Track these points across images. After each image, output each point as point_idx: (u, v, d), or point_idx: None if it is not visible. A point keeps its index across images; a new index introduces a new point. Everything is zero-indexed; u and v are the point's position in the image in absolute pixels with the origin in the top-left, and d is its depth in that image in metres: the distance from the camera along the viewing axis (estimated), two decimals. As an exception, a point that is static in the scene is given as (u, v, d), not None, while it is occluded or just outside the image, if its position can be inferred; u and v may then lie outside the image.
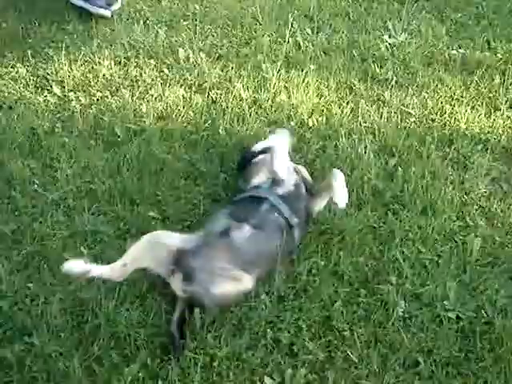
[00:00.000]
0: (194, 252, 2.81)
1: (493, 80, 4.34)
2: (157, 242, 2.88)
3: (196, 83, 4.13)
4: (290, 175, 3.21)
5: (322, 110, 3.99)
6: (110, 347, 2.68)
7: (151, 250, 2.86)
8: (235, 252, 2.83)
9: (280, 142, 3.33)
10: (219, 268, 2.78)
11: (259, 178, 3.21)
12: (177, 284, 2.79)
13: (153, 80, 4.13)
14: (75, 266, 2.71)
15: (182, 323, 2.74)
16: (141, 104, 3.93)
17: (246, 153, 3.45)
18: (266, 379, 2.63)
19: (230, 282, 2.79)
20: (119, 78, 4.15)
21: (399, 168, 3.58)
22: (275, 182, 3.15)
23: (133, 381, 2.57)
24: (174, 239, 2.90)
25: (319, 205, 3.24)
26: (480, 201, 3.51)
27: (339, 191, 3.12)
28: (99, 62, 4.22)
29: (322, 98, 4.07)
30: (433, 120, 4.01)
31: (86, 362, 2.63)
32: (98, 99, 3.97)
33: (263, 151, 3.34)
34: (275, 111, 3.93)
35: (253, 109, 3.92)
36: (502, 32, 4.86)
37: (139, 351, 2.67)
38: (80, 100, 3.94)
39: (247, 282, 2.83)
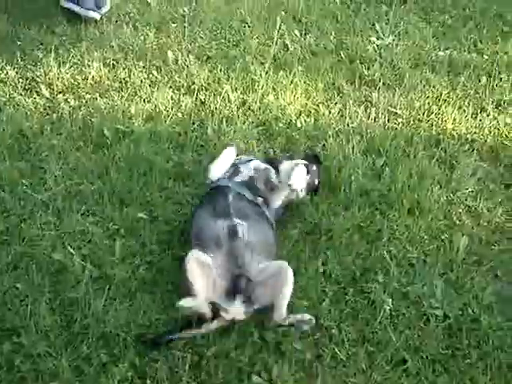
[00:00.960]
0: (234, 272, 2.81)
1: (479, 81, 4.40)
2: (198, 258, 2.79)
3: (184, 85, 4.15)
4: (246, 169, 3.23)
5: (310, 111, 4.02)
6: (98, 347, 2.68)
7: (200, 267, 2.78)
8: (253, 248, 2.86)
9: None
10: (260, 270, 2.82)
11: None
12: (240, 311, 2.79)
13: (141, 82, 4.15)
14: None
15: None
16: (129, 106, 3.94)
17: None
18: (254, 377, 2.64)
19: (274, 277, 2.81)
20: (108, 80, 4.16)
21: (386, 168, 3.62)
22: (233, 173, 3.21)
23: (121, 380, 2.57)
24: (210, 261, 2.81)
25: (276, 201, 3.23)
26: (466, 200, 3.54)
27: (293, 175, 3.16)
28: (88, 65, 4.23)
29: (310, 99, 4.10)
30: (420, 120, 4.04)
31: (75, 362, 2.63)
32: (86, 101, 3.98)
33: None
34: (263, 112, 3.95)
35: (241, 110, 3.96)
36: (489, 34, 4.94)
37: (128, 351, 2.67)
38: (69, 102, 3.95)
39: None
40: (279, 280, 2.79)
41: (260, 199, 3.12)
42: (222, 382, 2.62)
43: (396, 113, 4.08)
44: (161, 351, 2.68)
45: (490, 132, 3.99)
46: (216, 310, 2.74)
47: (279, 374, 2.65)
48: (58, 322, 2.77)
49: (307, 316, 2.82)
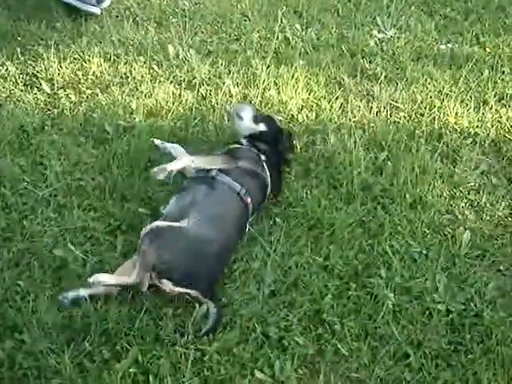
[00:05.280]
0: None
1: (481, 74, 4.37)
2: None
3: (185, 80, 4.14)
4: None
5: (312, 106, 4.01)
6: (100, 343, 2.67)
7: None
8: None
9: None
10: None
11: None
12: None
13: (142, 77, 4.14)
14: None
15: None
16: (130, 101, 3.93)
17: None
18: (257, 373, 2.63)
19: None
20: (109, 75, 4.15)
21: (388, 162, 3.61)
22: None
23: (124, 376, 2.56)
24: None
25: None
26: (469, 194, 3.54)
27: None
28: (89, 60, 4.22)
29: (312, 94, 4.09)
30: (422, 114, 4.03)
31: (77, 359, 2.62)
32: (87, 96, 3.97)
33: None
34: (265, 107, 3.95)
35: (242, 105, 3.93)
36: (491, 27, 4.92)
37: (130, 347, 2.66)
38: (70, 97, 3.94)
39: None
40: None
41: (214, 172, 3.18)
42: (225, 378, 2.61)
43: (398, 107, 4.07)
44: (163, 347, 2.68)
45: (493, 126, 3.98)
46: None
47: (282, 370, 2.65)
48: (59, 318, 2.76)
49: None
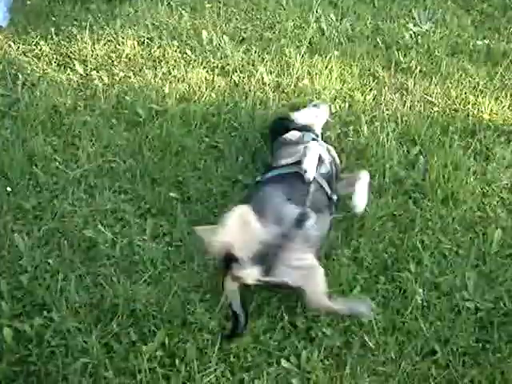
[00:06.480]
0: (275, 246, 2.71)
1: (518, 72, 4.31)
2: (246, 221, 2.73)
3: (219, 66, 4.13)
4: (326, 154, 3.21)
5: (345, 97, 3.97)
6: (128, 325, 2.68)
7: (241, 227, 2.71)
8: (307, 240, 2.80)
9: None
10: (295, 259, 2.72)
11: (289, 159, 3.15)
12: (253, 275, 2.67)
13: (176, 61, 4.14)
14: None
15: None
16: (163, 85, 3.93)
17: (282, 122, 3.51)
18: (283, 362, 2.63)
19: (304, 270, 2.73)
20: (142, 58, 4.15)
21: (421, 157, 3.57)
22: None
23: (150, 359, 2.57)
24: (258, 226, 2.75)
25: (340, 191, 3.19)
26: (501, 192, 3.49)
27: (360, 194, 3.09)
28: (122, 42, 4.23)
29: (345, 85, 4.06)
30: (456, 110, 3.99)
31: (105, 339, 2.63)
32: (120, 79, 3.97)
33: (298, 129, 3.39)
34: (298, 96, 3.92)
35: (275, 93, 3.93)
36: (529, 23, 4.84)
37: (157, 330, 2.66)
38: (102, 79, 3.94)
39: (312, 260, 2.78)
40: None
41: (335, 196, 3.08)
42: (251, 365, 2.61)
43: (432, 101, 4.03)
44: (190, 332, 2.68)
45: (528, 124, 3.93)
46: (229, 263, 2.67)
47: (308, 360, 2.64)
48: (87, 298, 2.77)
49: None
